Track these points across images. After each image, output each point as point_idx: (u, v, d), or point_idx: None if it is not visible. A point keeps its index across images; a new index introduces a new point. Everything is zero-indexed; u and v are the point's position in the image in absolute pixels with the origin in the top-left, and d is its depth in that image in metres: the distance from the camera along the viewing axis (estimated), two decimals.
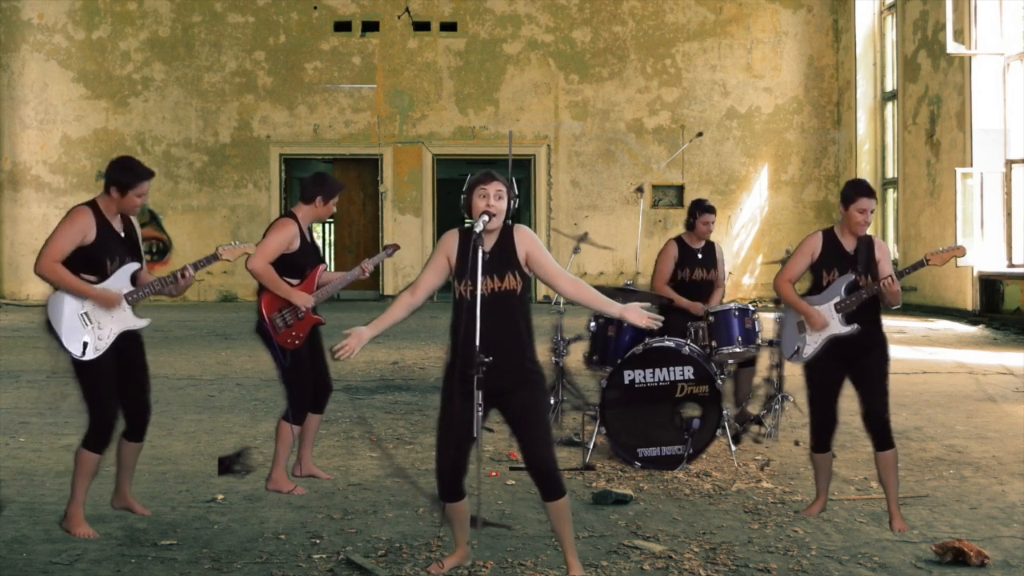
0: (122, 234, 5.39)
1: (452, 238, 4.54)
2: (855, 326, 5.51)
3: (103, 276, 5.27)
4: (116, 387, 5.30)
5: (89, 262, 5.24)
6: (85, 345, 5.17)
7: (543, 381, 4.55)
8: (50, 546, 5.06)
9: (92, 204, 5.34)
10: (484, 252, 4.42)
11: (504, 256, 4.46)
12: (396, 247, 6.80)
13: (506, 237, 4.50)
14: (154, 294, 5.41)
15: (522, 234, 4.51)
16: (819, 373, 5.63)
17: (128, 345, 5.38)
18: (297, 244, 6.10)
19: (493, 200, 4.44)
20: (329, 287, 6.24)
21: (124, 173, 5.30)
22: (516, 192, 4.58)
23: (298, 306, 6.01)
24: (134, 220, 5.54)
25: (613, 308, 4.43)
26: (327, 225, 27.99)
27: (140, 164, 5.40)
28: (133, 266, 5.36)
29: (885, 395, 5.51)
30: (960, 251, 5.60)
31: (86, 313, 5.20)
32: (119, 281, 5.30)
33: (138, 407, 5.44)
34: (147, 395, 5.49)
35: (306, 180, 6.32)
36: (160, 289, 5.40)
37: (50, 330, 5.20)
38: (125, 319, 5.30)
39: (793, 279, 5.74)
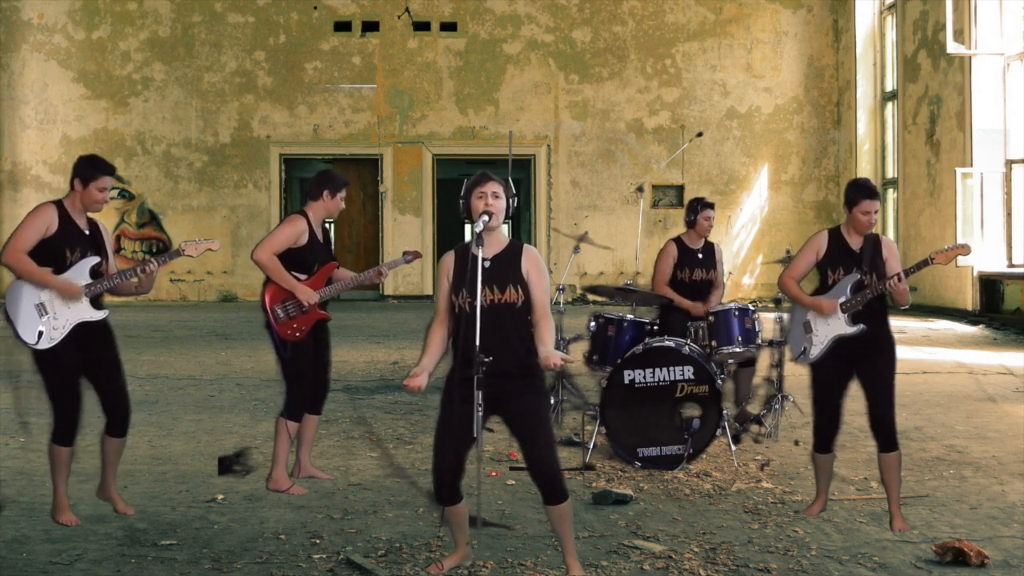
0: (86, 231, 5.47)
1: (449, 259, 4.55)
2: (861, 326, 5.49)
3: (63, 267, 5.36)
4: (78, 381, 5.38)
5: (49, 253, 5.34)
6: (40, 334, 5.28)
7: (544, 386, 4.56)
8: (50, 546, 5.06)
9: (57, 202, 5.48)
10: (484, 259, 4.43)
11: (508, 269, 4.46)
12: (416, 255, 6.65)
13: (514, 252, 4.51)
14: (114, 287, 5.46)
15: (530, 254, 4.52)
16: (825, 373, 5.62)
17: (97, 342, 5.45)
18: (305, 239, 6.13)
19: (491, 200, 4.46)
20: (339, 285, 6.24)
21: (86, 167, 5.45)
22: (514, 191, 4.59)
23: (301, 300, 6.04)
24: (101, 225, 5.64)
25: (543, 351, 4.37)
26: (327, 225, 28.03)
27: (103, 160, 5.53)
28: (92, 260, 5.43)
29: (891, 397, 5.50)
30: (965, 249, 5.57)
31: (42, 303, 5.29)
32: (77, 274, 5.37)
33: (115, 401, 5.50)
34: (123, 389, 5.54)
35: (311, 179, 6.37)
36: (121, 282, 5.45)
37: (7, 319, 5.33)
38: (81, 310, 5.36)
39: (797, 277, 5.73)
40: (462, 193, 4.54)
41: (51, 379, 5.35)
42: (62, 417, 5.36)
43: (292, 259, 6.10)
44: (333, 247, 24.42)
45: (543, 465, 4.42)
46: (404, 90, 21.47)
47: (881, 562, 4.92)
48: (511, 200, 4.54)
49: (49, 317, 5.29)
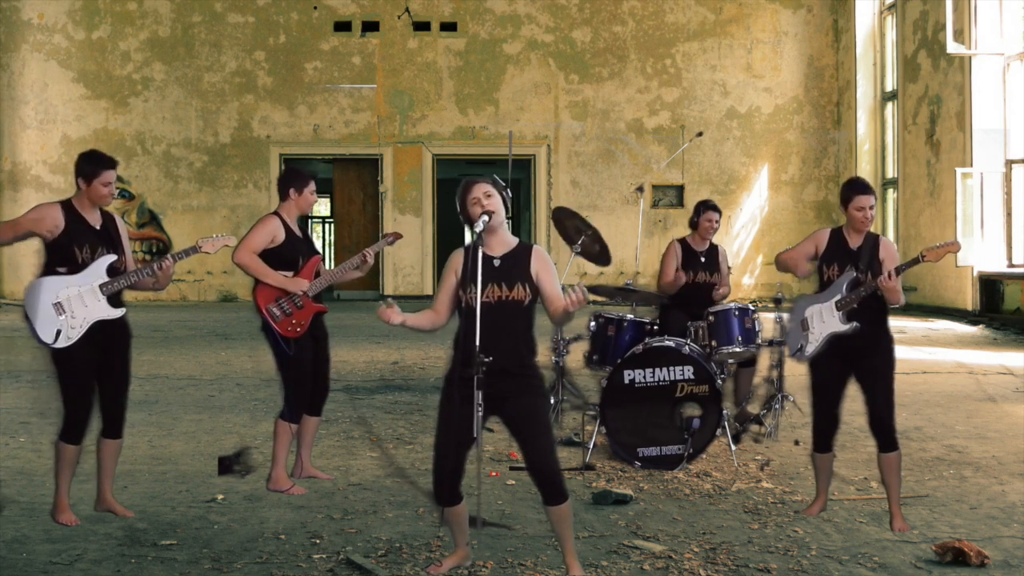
0: (97, 227, 5.46)
1: (459, 256, 4.56)
2: (855, 324, 5.50)
3: (75, 265, 5.36)
4: (92, 381, 5.40)
5: (60, 253, 5.35)
6: (58, 333, 5.28)
7: (543, 386, 4.57)
8: (50, 546, 5.06)
9: (64, 201, 5.49)
10: (493, 258, 4.46)
11: (517, 268, 4.49)
12: (397, 236, 6.74)
13: (523, 252, 4.54)
14: (131, 284, 5.46)
15: (539, 254, 4.55)
16: (823, 373, 5.63)
17: (113, 344, 5.45)
18: (282, 237, 6.12)
19: (484, 201, 4.48)
20: (327, 276, 6.23)
21: (88, 162, 5.46)
22: (503, 184, 4.60)
23: (293, 293, 6.03)
24: (117, 218, 5.65)
25: (563, 302, 4.41)
26: (327, 225, 27.99)
27: (104, 155, 5.55)
28: (110, 258, 5.42)
29: (890, 397, 5.50)
30: (955, 247, 5.58)
31: (59, 303, 5.30)
32: (94, 272, 5.36)
33: (113, 405, 5.51)
34: (124, 394, 5.56)
35: (278, 179, 6.38)
36: (138, 280, 5.45)
37: (25, 318, 5.35)
38: (99, 309, 5.35)
39: (791, 257, 5.82)
40: (458, 207, 4.55)
41: (66, 378, 5.35)
42: (73, 416, 5.37)
43: (275, 258, 6.10)
44: (333, 248, 24.11)
45: (543, 465, 4.43)
46: (404, 90, 21.46)
47: (881, 562, 4.92)
48: (504, 194, 4.55)
49: (67, 316, 5.29)
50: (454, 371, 4.43)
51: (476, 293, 4.34)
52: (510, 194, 4.61)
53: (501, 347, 4.34)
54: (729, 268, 8.28)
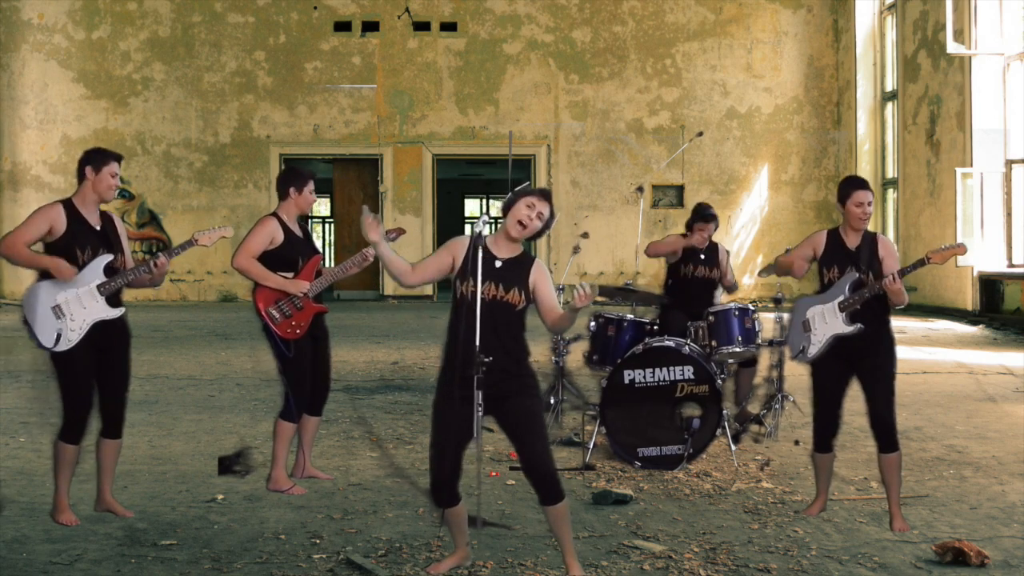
0: (97, 227, 5.47)
1: (461, 242, 4.59)
2: (859, 325, 5.49)
3: (75, 267, 5.35)
4: (91, 381, 5.40)
5: (60, 254, 5.35)
6: (58, 337, 5.30)
7: (537, 387, 4.59)
8: (50, 546, 5.06)
9: (65, 201, 5.51)
10: (496, 259, 4.49)
11: (516, 273, 4.52)
12: (400, 231, 6.72)
13: (525, 261, 4.58)
14: (128, 283, 5.46)
15: (539, 266, 4.59)
16: (824, 373, 5.62)
17: (113, 344, 5.46)
18: (280, 238, 6.11)
19: (534, 216, 4.51)
20: (328, 276, 6.22)
21: (96, 154, 5.54)
22: (551, 226, 4.62)
23: (294, 295, 6.02)
24: (115, 218, 5.66)
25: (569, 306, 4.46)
26: (327, 225, 27.99)
27: (110, 149, 5.64)
28: (106, 257, 5.42)
29: (891, 397, 5.50)
30: (961, 249, 5.57)
31: (58, 306, 5.31)
32: (91, 272, 5.37)
33: (113, 405, 5.52)
34: (124, 394, 5.57)
35: (278, 178, 6.36)
36: (134, 278, 5.46)
37: (25, 323, 5.37)
38: (97, 310, 5.36)
39: (790, 263, 5.80)
40: (515, 191, 4.57)
41: (65, 378, 5.36)
42: (73, 416, 5.37)
43: (275, 259, 6.10)
44: (333, 248, 24.09)
45: (540, 466, 4.45)
46: (404, 90, 21.46)
47: (881, 562, 4.93)
48: (545, 230, 4.57)
49: (66, 319, 5.30)
50: (449, 371, 4.44)
51: (476, 293, 4.36)
52: (551, 226, 4.64)
53: (497, 345, 4.37)
54: (728, 252, 8.26)
